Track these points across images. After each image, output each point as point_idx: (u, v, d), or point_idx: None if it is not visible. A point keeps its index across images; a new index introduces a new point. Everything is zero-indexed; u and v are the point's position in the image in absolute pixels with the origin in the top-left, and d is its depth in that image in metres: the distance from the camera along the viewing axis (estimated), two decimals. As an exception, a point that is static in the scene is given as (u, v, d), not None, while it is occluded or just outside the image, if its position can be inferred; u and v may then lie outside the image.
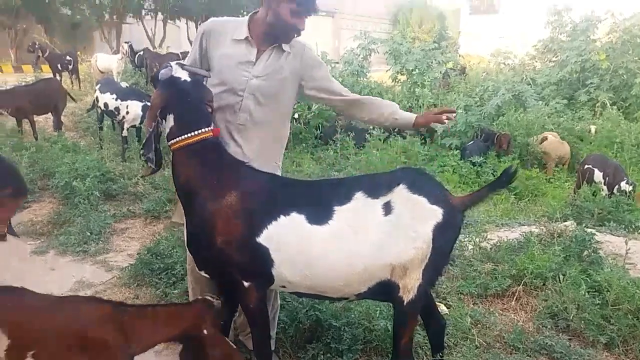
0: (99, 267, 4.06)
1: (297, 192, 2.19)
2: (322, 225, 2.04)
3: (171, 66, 2.15)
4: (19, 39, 22.94)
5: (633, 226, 4.61)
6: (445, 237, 2.09)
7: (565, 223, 4.49)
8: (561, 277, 3.22)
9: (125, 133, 6.92)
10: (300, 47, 2.40)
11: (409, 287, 2.09)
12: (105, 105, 7.08)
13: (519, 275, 3.40)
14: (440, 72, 12.54)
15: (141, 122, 6.99)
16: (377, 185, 2.15)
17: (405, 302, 2.10)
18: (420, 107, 11.54)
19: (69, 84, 13.72)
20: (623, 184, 5.80)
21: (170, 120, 2.13)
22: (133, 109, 6.87)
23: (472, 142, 8.64)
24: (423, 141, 8.82)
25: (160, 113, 2.15)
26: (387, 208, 2.06)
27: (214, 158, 2.13)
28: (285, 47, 2.34)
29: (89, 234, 4.47)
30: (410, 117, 2.46)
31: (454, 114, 2.53)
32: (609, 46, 12.18)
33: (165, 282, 3.54)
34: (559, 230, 3.99)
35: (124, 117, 6.90)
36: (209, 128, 2.15)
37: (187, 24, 26.93)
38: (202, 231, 2.07)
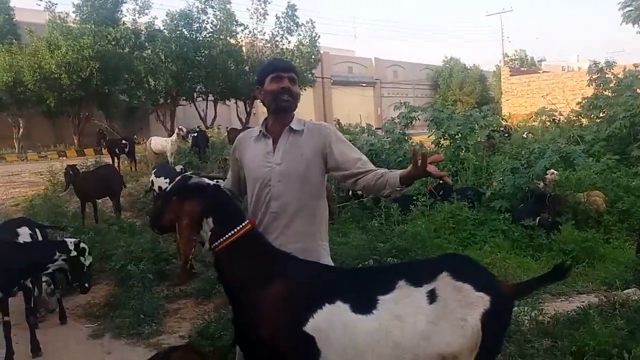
0: (152, 350, 4.11)
1: (339, 280, 2.20)
2: (367, 315, 2.02)
3: (191, 176, 2.30)
4: (82, 126, 24.64)
5: None
6: (494, 324, 2.03)
7: (627, 291, 4.27)
8: (626, 354, 3.03)
9: (176, 213, 7.17)
10: (317, 125, 2.52)
11: (462, 376, 2.02)
12: (160, 188, 7.43)
13: (580, 353, 3.22)
14: (484, 135, 12.52)
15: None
16: (419, 272, 2.14)
17: (458, 392, 2.03)
18: (465, 169, 11.51)
19: (126, 166, 14.53)
20: None
21: (209, 224, 2.17)
22: (184, 193, 7.17)
23: (522, 204, 8.44)
24: (471, 205, 8.70)
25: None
26: (432, 296, 2.03)
27: (257, 249, 2.19)
28: (297, 126, 2.45)
29: (142, 316, 4.59)
30: (397, 177, 2.24)
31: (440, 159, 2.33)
32: (657, 99, 11.91)
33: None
34: (620, 300, 3.79)
35: (175, 199, 7.19)
36: (247, 220, 2.22)
37: (236, 102, 28.28)
38: (250, 324, 2.10)
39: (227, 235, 2.14)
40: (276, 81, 2.42)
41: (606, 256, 6.61)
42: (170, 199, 2.20)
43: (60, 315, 4.85)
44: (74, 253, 4.07)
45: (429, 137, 13.16)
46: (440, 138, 12.45)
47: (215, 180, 2.42)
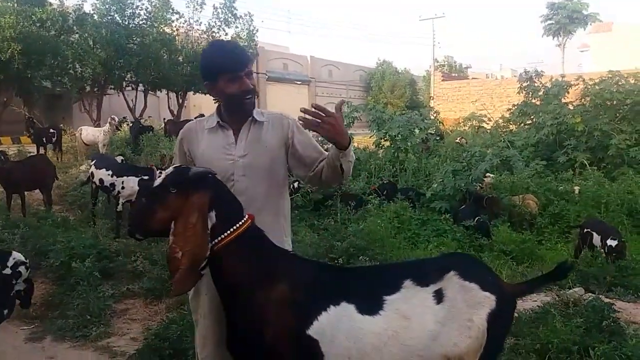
0: (102, 354, 3.87)
1: (344, 280, 2.12)
2: (373, 315, 1.96)
3: (187, 166, 2.07)
4: (-1, 112, 22.86)
5: (640, 291, 4.63)
6: (499, 325, 2.04)
7: (574, 290, 4.48)
8: (589, 351, 3.17)
9: (120, 208, 6.82)
10: (277, 115, 2.39)
11: (466, 377, 2.01)
12: (101, 181, 7.01)
13: (543, 350, 3.33)
14: (421, 138, 12.86)
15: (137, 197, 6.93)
16: (426, 272, 2.10)
17: (463, 394, 2.02)
18: (404, 170, 11.77)
19: (52, 157, 13.64)
20: (609, 240, 5.64)
21: (211, 219, 1.95)
22: (129, 185, 6.81)
23: (463, 206, 8.72)
24: (412, 205, 8.91)
25: None
26: (439, 296, 2.01)
27: (259, 247, 2.05)
28: (259, 117, 2.31)
29: (88, 317, 4.28)
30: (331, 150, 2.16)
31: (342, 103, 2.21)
32: (582, 109, 12.71)
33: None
34: (572, 299, 3.97)
35: (119, 192, 6.82)
36: (246, 215, 2.06)
37: (167, 94, 27.35)
38: (250, 327, 1.98)
39: (228, 232, 1.96)
40: (234, 82, 2.19)
41: (543, 257, 6.96)
42: (166, 194, 1.92)
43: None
44: (7, 271, 3.61)
45: (370, 137, 13.34)
46: (382, 139, 12.67)
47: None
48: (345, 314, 1.96)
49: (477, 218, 8.00)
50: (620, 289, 4.58)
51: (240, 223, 2.00)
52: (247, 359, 2.05)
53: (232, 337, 2.06)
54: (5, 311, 3.63)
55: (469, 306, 2.00)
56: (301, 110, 2.05)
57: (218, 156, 2.27)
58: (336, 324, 1.95)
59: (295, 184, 8.60)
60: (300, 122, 2.08)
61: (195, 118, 7.76)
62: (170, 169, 2.03)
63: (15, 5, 20.69)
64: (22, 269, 3.65)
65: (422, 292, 2.02)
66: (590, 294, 4.37)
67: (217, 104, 2.35)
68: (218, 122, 2.30)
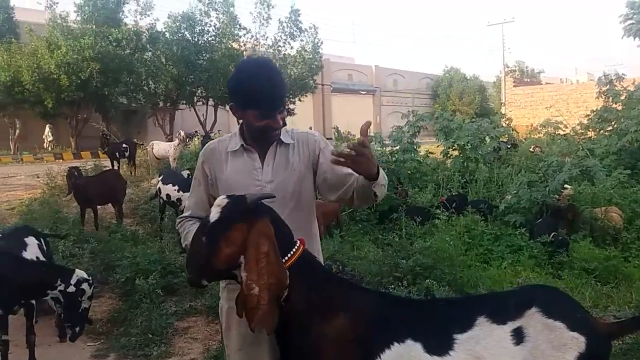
0: (161, 374, 3.82)
1: (409, 313, 1.91)
2: (442, 356, 1.75)
3: (241, 195, 1.84)
4: (79, 128, 24.28)
5: None
6: None
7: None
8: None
9: (185, 223, 6.87)
10: (304, 134, 2.20)
11: None
12: (168, 196, 7.15)
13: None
14: (493, 147, 12.29)
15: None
16: (502, 307, 1.85)
17: None
18: (475, 181, 11.26)
19: (125, 171, 14.20)
20: None
21: None
22: (194, 200, 6.88)
23: (539, 219, 8.17)
24: (484, 218, 8.46)
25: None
26: (519, 336, 1.75)
27: (315, 276, 1.87)
28: (285, 139, 2.12)
29: (150, 335, 4.27)
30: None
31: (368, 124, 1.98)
32: (670, 113, 11.70)
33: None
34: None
35: (185, 207, 6.90)
36: (298, 241, 1.89)
37: (236, 107, 28.01)
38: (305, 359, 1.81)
39: (285, 259, 1.79)
40: (265, 119, 2.02)
41: (631, 276, 6.34)
42: (229, 227, 1.73)
43: (59, 333, 4.50)
44: (72, 289, 3.67)
45: (437, 147, 12.92)
46: (450, 148, 12.22)
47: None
48: (411, 353, 1.76)
49: (553, 233, 7.47)
50: None
51: (295, 248, 1.84)
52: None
53: None
54: (77, 329, 3.69)
55: (554, 348, 1.72)
56: (333, 154, 1.87)
57: (245, 182, 2.08)
58: None
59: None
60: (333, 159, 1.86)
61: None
62: (223, 199, 1.83)
63: (94, 26, 21.97)
64: (85, 286, 3.69)
65: (498, 330, 1.77)
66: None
67: (240, 124, 2.17)
68: (242, 145, 2.13)
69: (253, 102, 2.01)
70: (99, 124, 22.95)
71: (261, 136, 2.10)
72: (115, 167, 13.29)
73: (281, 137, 2.13)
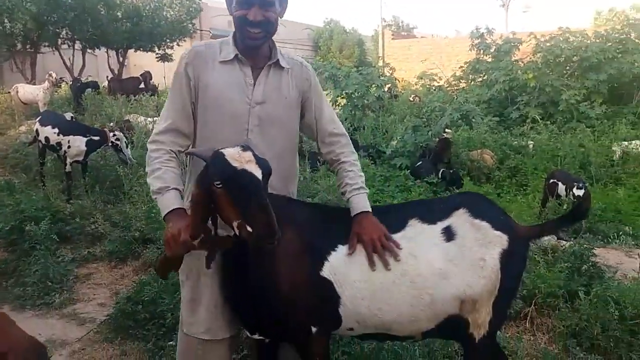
0: (68, 322, 3.60)
1: (347, 219, 2.01)
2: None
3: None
4: None
5: (609, 236, 4.76)
6: (512, 266, 1.96)
7: (546, 238, 4.55)
8: (573, 295, 3.21)
9: (68, 168, 6.34)
10: (298, 63, 2.12)
11: (480, 322, 1.94)
12: (47, 139, 6.48)
13: (529, 296, 3.35)
14: (377, 95, 12.76)
15: (85, 158, 6.47)
16: (432, 210, 2.02)
17: (476, 340, 1.95)
18: (363, 128, 11.67)
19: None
20: (575, 190, 5.80)
21: None
22: (76, 144, 6.34)
23: (420, 162, 8.73)
24: (373, 162, 8.86)
25: None
26: (448, 233, 1.92)
27: None
28: (282, 62, 2.04)
29: (49, 283, 3.97)
30: (353, 210, 2.01)
31: None
32: (533, 66, 12.93)
33: (155, 334, 3.17)
34: (550, 246, 4.02)
35: (65, 152, 6.34)
36: None
37: (107, 52, 25.88)
38: (262, 282, 1.83)
39: None
40: (243, 8, 1.90)
41: (511, 209, 7.08)
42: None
43: None
44: None
45: (326, 95, 13.11)
46: (338, 97, 12.48)
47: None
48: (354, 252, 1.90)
49: (441, 170, 8.08)
50: (590, 235, 4.69)
51: None
52: (261, 315, 1.90)
53: (240, 301, 1.91)
54: None
55: (480, 245, 1.91)
56: None
57: (233, 96, 1.95)
58: (346, 262, 1.89)
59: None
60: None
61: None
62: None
63: None
64: None
65: (429, 229, 1.94)
66: (562, 241, 4.44)
67: (233, 33, 2.02)
68: (236, 55, 1.97)
69: None
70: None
71: (240, 38, 1.96)
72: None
73: (278, 59, 2.01)
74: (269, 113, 1.99)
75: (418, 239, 1.93)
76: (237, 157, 1.64)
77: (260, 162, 1.67)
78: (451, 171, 8.01)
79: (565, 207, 5.65)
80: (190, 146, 2.03)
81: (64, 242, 4.82)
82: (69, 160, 6.38)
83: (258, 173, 1.64)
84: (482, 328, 1.93)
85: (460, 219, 1.95)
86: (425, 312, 1.89)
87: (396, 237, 1.93)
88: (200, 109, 1.98)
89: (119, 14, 24.67)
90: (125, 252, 4.53)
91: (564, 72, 12.87)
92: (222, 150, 1.66)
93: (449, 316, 1.92)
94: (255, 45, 1.96)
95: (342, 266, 1.88)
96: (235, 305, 1.95)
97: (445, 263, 1.89)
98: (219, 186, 1.61)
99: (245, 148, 1.69)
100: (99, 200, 5.72)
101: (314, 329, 1.89)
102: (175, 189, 1.86)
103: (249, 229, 1.57)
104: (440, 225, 1.95)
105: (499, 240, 1.94)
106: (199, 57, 1.99)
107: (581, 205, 2.15)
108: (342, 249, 1.90)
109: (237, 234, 1.63)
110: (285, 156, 2.09)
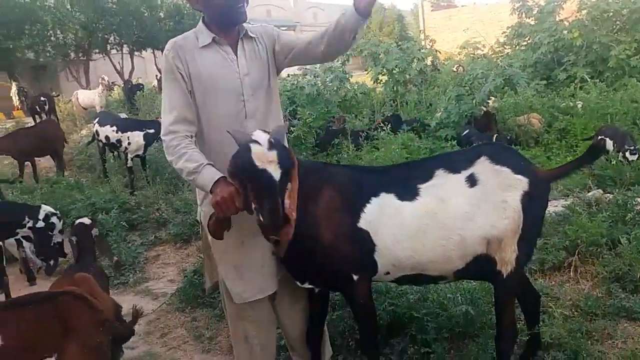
0: (143, 297, 3.99)
1: (378, 176, 2.25)
2: (412, 201, 2.10)
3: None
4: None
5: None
6: (534, 207, 2.13)
7: (593, 192, 4.57)
8: (615, 243, 3.28)
9: (130, 164, 6.82)
10: (259, 27, 2.26)
11: (506, 259, 2.11)
12: (107, 138, 6.98)
13: (572, 246, 3.44)
14: (418, 69, 12.69)
15: (144, 152, 6.91)
16: (456, 161, 2.20)
17: (504, 276, 2.12)
18: (406, 103, 11.69)
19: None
20: (628, 154, 5.64)
21: None
22: (135, 140, 6.79)
23: (467, 131, 8.71)
24: (418, 136, 8.91)
25: None
26: (472, 180, 2.11)
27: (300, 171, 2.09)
28: (250, 33, 2.17)
29: (123, 265, 4.38)
30: (351, 9, 2.00)
31: None
32: (579, 24, 12.49)
33: (221, 300, 3.49)
34: (594, 199, 4.06)
35: (126, 148, 6.81)
36: None
37: (153, 53, 26.78)
38: (307, 236, 2.07)
39: None
40: None
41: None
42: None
43: (28, 277, 4.50)
44: (41, 224, 3.69)
45: (367, 74, 13.17)
46: (379, 74, 12.49)
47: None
48: (386, 202, 2.11)
49: (495, 136, 8.05)
50: (638, 187, 4.66)
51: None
52: (308, 266, 2.14)
53: (288, 253, 2.13)
54: (52, 262, 3.74)
55: (502, 188, 2.08)
56: None
57: (224, 72, 2.09)
58: (380, 212, 2.09)
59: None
60: None
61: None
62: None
63: (-14, -27, 19.97)
64: (54, 219, 3.72)
65: (454, 177, 2.13)
66: (608, 194, 4.45)
67: (201, 17, 2.16)
68: (214, 38, 2.10)
69: None
70: (5, 83, 21.32)
71: (231, 19, 2.08)
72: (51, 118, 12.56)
73: (249, 31, 2.17)
74: (255, 80, 2.16)
75: (445, 187, 2.12)
76: (262, 156, 1.81)
77: (282, 160, 1.84)
78: (508, 137, 7.97)
79: (615, 162, 5.57)
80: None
81: (133, 229, 5.26)
82: (130, 156, 6.84)
83: (277, 174, 1.82)
84: (509, 265, 2.11)
85: (482, 166, 2.12)
86: (456, 251, 2.09)
87: (425, 185, 2.13)
88: (197, 93, 2.11)
89: (161, 14, 25.49)
90: (189, 234, 4.90)
91: (613, 27, 12.35)
92: (251, 145, 1.83)
93: (478, 255, 2.11)
94: (244, 19, 2.12)
95: (377, 215, 2.09)
96: (284, 260, 2.19)
97: (471, 206, 2.07)
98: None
99: (274, 144, 1.85)
100: (160, 190, 6.14)
101: (355, 277, 2.12)
102: (209, 163, 1.99)
103: (260, 217, 1.82)
104: (464, 173, 2.13)
105: (520, 184, 2.10)
106: (181, 49, 2.09)
107: (594, 146, 2.26)
108: (375, 200, 2.11)
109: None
110: (274, 114, 2.26)
